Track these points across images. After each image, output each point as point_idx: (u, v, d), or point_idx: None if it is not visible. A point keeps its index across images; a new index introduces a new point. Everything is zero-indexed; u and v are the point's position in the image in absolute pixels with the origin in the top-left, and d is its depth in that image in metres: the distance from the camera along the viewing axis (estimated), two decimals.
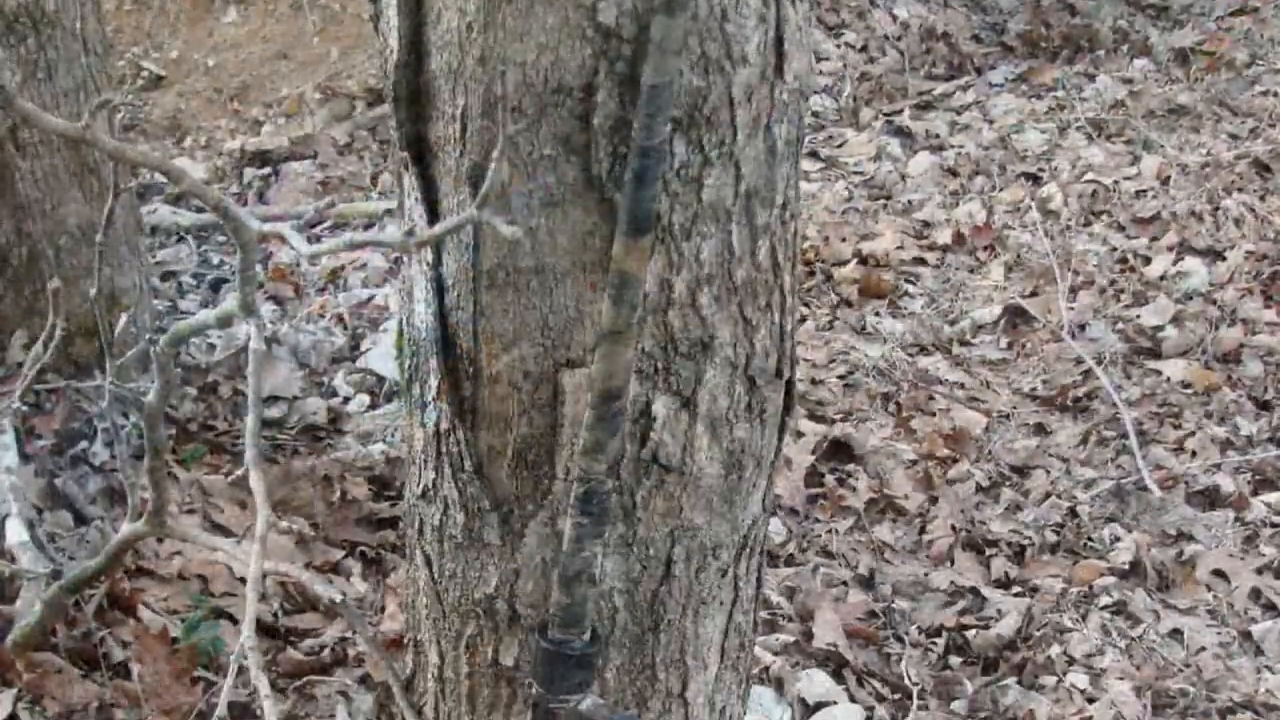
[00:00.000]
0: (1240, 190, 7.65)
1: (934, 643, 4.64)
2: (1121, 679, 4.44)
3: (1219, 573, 5.07)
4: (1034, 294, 6.96)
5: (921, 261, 7.30)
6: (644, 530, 2.07)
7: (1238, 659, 4.61)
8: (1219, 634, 4.73)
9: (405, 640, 2.51)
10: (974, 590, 4.89)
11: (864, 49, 9.41)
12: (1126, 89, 8.86)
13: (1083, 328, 6.70)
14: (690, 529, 2.11)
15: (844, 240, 7.32)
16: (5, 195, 4.70)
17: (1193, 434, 5.94)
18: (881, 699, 4.35)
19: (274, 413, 5.34)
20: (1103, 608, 4.84)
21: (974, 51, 9.61)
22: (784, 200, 1.98)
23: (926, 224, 7.64)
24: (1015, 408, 6.19)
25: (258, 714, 3.71)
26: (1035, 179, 8.07)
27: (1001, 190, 7.93)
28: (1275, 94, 8.66)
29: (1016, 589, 4.96)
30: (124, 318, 3.31)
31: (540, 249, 1.88)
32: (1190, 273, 7.05)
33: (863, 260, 7.19)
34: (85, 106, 4.65)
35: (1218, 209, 7.44)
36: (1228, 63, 9.10)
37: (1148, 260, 7.21)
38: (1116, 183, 7.90)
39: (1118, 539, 5.25)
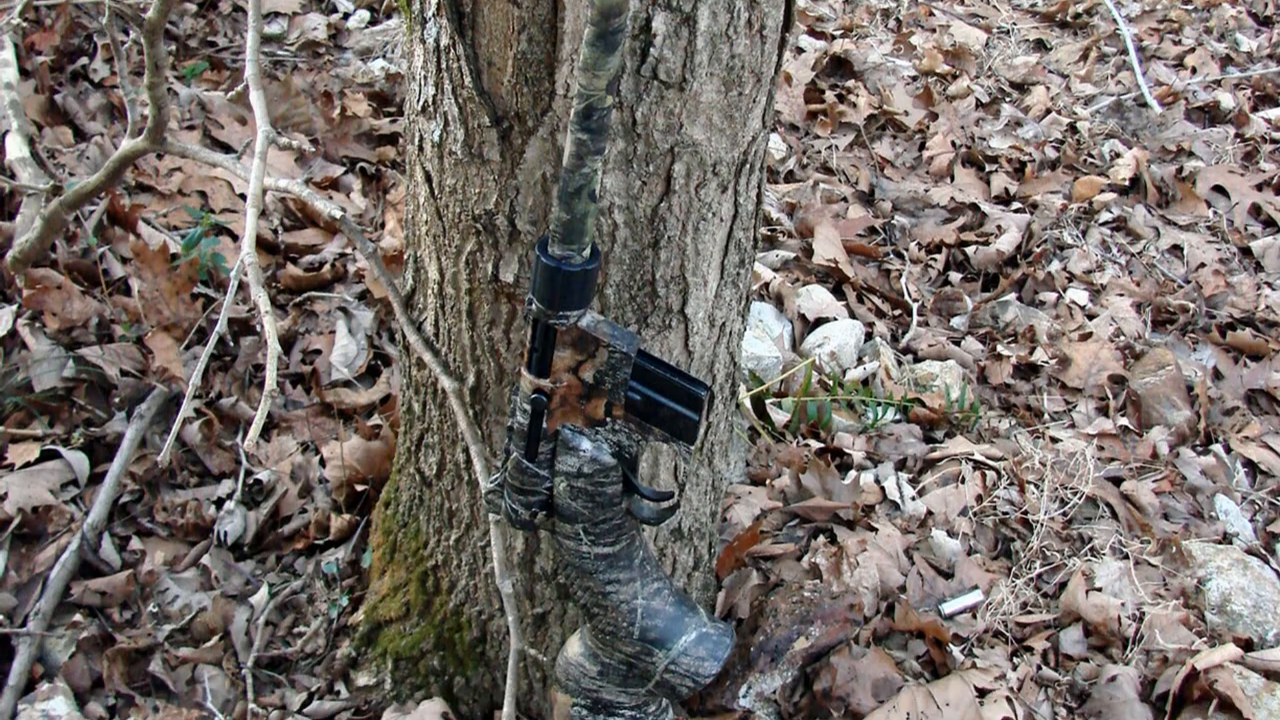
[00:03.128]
0: None
1: (934, 259, 4.67)
2: (1121, 295, 4.47)
3: (1219, 188, 5.08)
4: None
5: None
6: (644, 146, 2.05)
7: (1237, 275, 4.64)
8: (1219, 250, 4.75)
9: (405, 256, 2.52)
10: (974, 206, 4.89)
11: None
12: None
13: None
14: (690, 145, 2.09)
15: None
16: None
17: (1193, 50, 5.89)
18: (881, 314, 4.39)
19: (274, 29, 5.28)
20: (1103, 224, 4.85)
21: None
22: None
23: None
24: (1015, 23, 6.12)
25: (257, 330, 3.74)
26: None
27: None
28: None
29: (1016, 205, 4.97)
30: None
31: None
32: None
33: None
34: None
35: None
36: None
37: None
38: None
39: (1118, 155, 5.24)
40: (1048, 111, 5.51)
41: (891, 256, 4.70)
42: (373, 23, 5.47)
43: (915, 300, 4.46)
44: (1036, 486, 3.66)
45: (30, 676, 2.93)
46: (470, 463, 2.57)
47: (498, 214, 2.15)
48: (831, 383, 3.93)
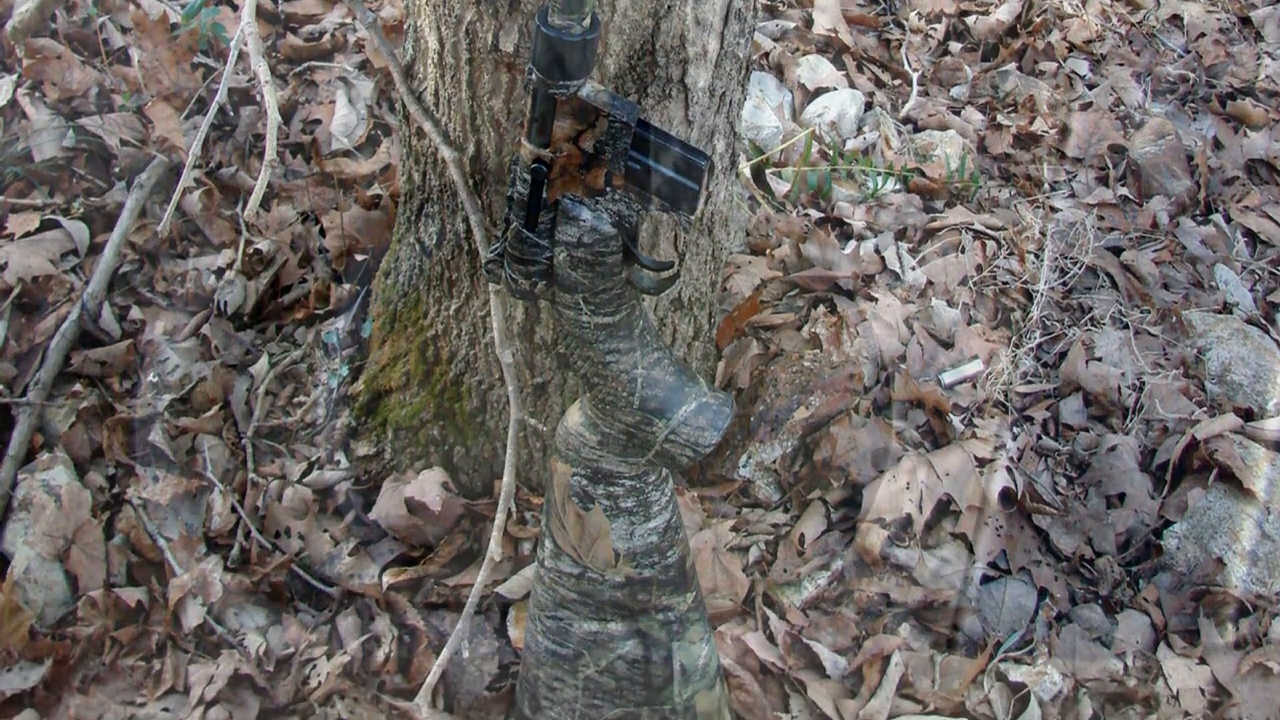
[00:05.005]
0: None
1: (934, 28, 4.63)
2: (1121, 65, 4.44)
3: None
4: None
5: None
6: None
7: (1237, 45, 4.61)
8: (1218, 19, 4.71)
9: (405, 26, 2.50)
10: None
11: None
12: None
13: None
14: None
15: None
16: None
17: None
18: (881, 85, 4.37)
19: None
20: None
21: None
22: None
23: None
24: None
25: (257, 99, 3.73)
26: None
27: None
28: None
29: None
30: None
31: None
32: None
33: None
34: None
35: None
36: None
37: None
38: None
39: None
40: None
41: (891, 26, 4.66)
42: None
43: (915, 70, 4.43)
44: (1036, 256, 3.67)
45: (30, 446, 2.97)
46: (470, 232, 2.58)
47: None
48: (831, 152, 3.93)
